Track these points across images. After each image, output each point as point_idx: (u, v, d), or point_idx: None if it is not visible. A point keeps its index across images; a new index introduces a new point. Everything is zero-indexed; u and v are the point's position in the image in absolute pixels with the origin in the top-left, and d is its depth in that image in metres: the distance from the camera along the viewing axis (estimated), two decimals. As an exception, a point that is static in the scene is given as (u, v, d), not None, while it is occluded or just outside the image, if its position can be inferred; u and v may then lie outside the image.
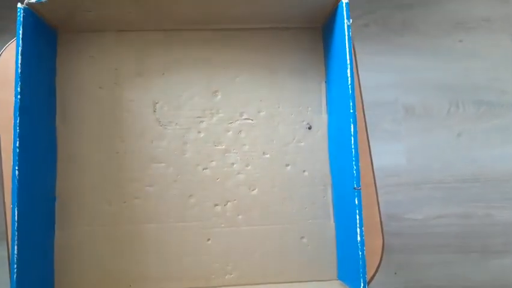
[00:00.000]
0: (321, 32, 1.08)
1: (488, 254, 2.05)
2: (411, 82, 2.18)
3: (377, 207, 1.07)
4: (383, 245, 1.06)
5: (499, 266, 2.04)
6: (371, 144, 1.09)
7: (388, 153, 2.11)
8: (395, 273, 2.02)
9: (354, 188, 0.87)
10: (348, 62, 0.89)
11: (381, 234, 1.06)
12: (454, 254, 2.04)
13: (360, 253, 0.86)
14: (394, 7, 2.26)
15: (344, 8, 0.91)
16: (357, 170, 0.87)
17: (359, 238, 0.86)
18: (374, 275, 1.05)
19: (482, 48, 2.23)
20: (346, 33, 0.90)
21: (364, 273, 0.86)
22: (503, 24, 2.25)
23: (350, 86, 0.88)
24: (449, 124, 2.15)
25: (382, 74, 2.17)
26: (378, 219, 1.07)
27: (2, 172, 1.03)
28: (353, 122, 0.88)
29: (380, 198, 1.08)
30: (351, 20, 0.90)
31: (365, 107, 1.10)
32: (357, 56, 1.10)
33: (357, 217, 0.86)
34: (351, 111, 0.88)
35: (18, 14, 0.88)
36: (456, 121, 2.15)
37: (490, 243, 2.06)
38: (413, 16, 2.25)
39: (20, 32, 0.87)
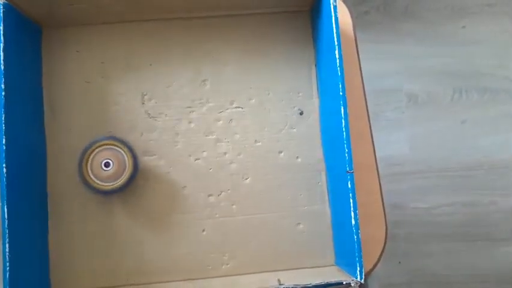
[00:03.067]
0: (309, 14, 1.07)
1: (494, 242, 2.05)
2: (414, 69, 2.18)
3: (379, 195, 1.06)
4: (386, 233, 1.05)
5: (504, 253, 2.04)
6: (373, 133, 1.08)
7: (391, 142, 2.11)
8: (400, 262, 2.02)
9: (347, 172, 0.86)
10: (336, 43, 0.88)
11: (384, 222, 1.05)
12: (458, 243, 2.04)
13: (355, 237, 0.85)
14: (395, -7, 2.26)
15: None
16: (349, 153, 0.86)
17: (353, 222, 0.85)
18: (377, 263, 1.04)
19: (486, 34, 2.23)
20: (333, 14, 0.89)
21: (360, 256, 0.85)
22: (506, 10, 2.25)
23: (338, 68, 0.87)
24: (453, 111, 2.15)
25: (384, 61, 2.17)
26: (381, 206, 1.06)
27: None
28: (343, 105, 0.87)
29: (383, 187, 1.07)
30: (337, 0, 0.90)
31: (366, 96, 1.09)
32: (358, 44, 1.09)
33: (351, 201, 0.86)
34: (341, 93, 0.87)
35: (0, 11, 0.87)
36: (460, 108, 2.15)
37: (495, 231, 2.06)
38: (415, 2, 2.24)
39: (1, 28, 0.87)
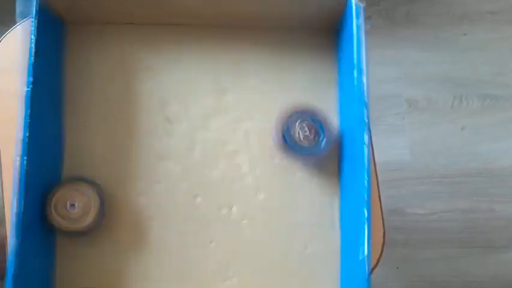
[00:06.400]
0: (335, 34, 1.06)
1: (492, 249, 2.06)
2: (415, 75, 2.18)
3: (378, 200, 1.06)
4: (383, 237, 1.05)
5: (502, 261, 2.05)
6: (373, 138, 1.07)
7: (391, 148, 2.11)
8: (397, 268, 2.03)
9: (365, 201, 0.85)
10: (364, 67, 0.88)
11: (382, 227, 1.05)
12: (457, 249, 2.05)
13: (366, 269, 0.84)
14: (398, -1, 2.25)
15: (354, 12, 0.91)
16: (368, 181, 0.86)
17: (366, 252, 0.84)
18: (374, 268, 1.04)
19: (487, 41, 2.23)
20: (363, 39, 0.90)
21: (368, 289, 0.84)
22: (508, 17, 2.25)
23: (365, 93, 0.88)
24: (453, 118, 2.15)
25: (385, 67, 2.17)
26: (380, 211, 1.05)
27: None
28: (367, 132, 0.86)
29: (383, 193, 1.06)
30: (366, 25, 0.89)
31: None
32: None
33: (366, 229, 0.85)
34: (366, 120, 0.86)
35: (35, 4, 0.88)
36: (460, 115, 2.15)
37: (494, 238, 2.07)
38: (417, 8, 2.24)
39: (35, 22, 0.87)
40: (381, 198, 1.06)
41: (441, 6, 2.25)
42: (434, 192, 2.09)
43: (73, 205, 0.93)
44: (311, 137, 0.95)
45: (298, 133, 0.95)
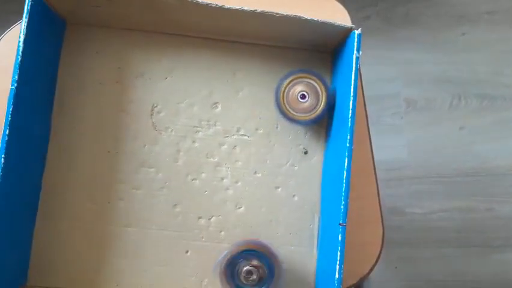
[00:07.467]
0: (330, 56, 1.06)
1: (490, 249, 2.08)
2: (413, 75, 2.20)
3: (377, 199, 1.08)
4: (383, 236, 1.06)
5: (500, 260, 2.07)
6: (372, 138, 1.09)
7: (390, 147, 2.12)
8: (396, 267, 2.05)
9: (340, 224, 0.86)
10: (352, 93, 0.87)
11: (381, 225, 1.06)
12: (455, 248, 2.06)
13: (338, 291, 0.85)
14: (396, -1, 2.25)
15: (356, 44, 0.90)
16: (345, 206, 0.86)
17: (337, 275, 0.85)
18: (373, 267, 1.05)
19: (485, 41, 2.24)
20: (354, 65, 0.89)
21: (338, 311, 0.85)
22: (506, 17, 2.26)
23: (350, 119, 0.87)
24: (451, 117, 2.16)
25: (384, 67, 2.18)
26: (379, 211, 1.07)
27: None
28: (347, 156, 0.86)
29: (381, 192, 1.08)
30: (360, 52, 0.89)
31: (366, 101, 1.10)
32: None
33: (339, 254, 0.85)
34: (348, 145, 0.87)
35: (27, 2, 0.87)
36: (458, 115, 2.16)
37: (492, 237, 2.09)
38: (415, 9, 2.25)
39: (26, 20, 0.87)
40: (380, 197, 1.07)
41: (439, 6, 2.25)
42: (432, 192, 2.11)
43: (303, 96, 0.96)
44: (255, 281, 0.91)
45: (244, 276, 0.91)
